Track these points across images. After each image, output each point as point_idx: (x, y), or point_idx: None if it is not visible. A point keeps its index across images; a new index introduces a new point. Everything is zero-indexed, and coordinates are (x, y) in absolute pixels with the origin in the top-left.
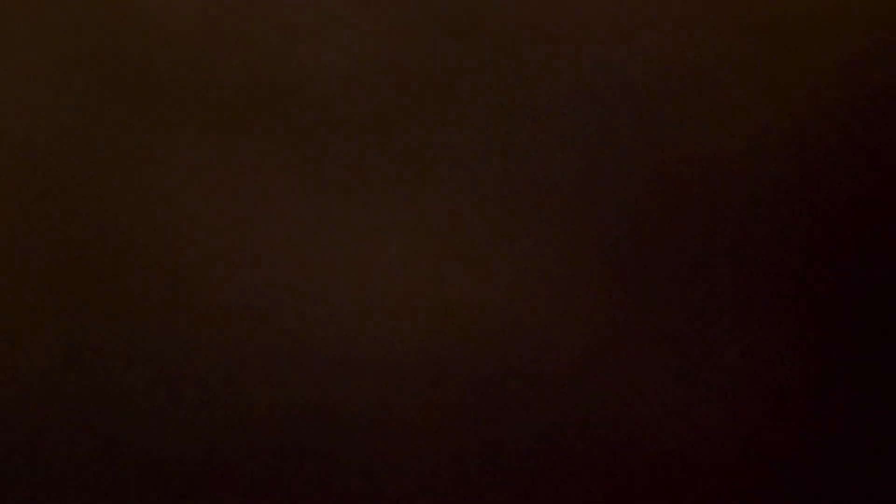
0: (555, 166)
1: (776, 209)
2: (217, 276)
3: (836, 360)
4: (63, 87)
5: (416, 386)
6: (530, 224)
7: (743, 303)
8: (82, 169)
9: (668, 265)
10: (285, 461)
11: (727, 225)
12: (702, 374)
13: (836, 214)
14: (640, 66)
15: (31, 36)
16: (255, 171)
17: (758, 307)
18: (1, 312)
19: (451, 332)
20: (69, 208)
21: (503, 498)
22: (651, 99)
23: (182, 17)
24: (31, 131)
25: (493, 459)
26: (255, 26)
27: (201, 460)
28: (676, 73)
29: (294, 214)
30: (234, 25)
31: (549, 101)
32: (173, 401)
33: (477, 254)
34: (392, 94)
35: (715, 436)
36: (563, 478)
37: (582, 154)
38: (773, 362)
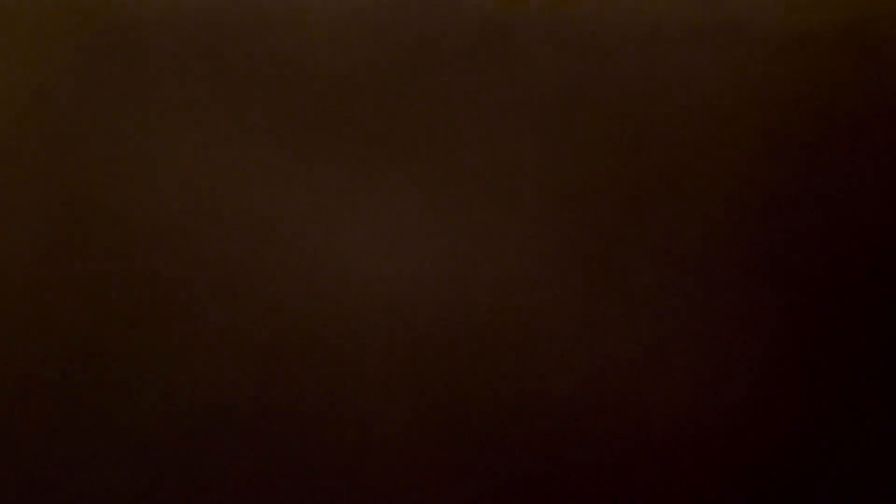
0: (551, 159)
1: (775, 205)
2: (228, 261)
3: (827, 356)
4: (67, 77)
5: (414, 372)
6: (529, 213)
7: (743, 296)
8: (85, 158)
9: (664, 258)
10: (289, 449)
11: (724, 220)
12: (697, 362)
13: (836, 210)
14: (630, 66)
15: (39, 40)
16: (264, 149)
17: (757, 299)
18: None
19: (448, 319)
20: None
21: (503, 485)
22: (639, 98)
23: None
24: (34, 123)
25: (489, 450)
26: (257, 12)
27: (201, 446)
28: (665, 72)
29: (300, 196)
30: (239, 12)
31: (548, 97)
32: (178, 386)
33: (477, 241)
34: (397, 80)
35: (706, 421)
36: (555, 465)
37: (577, 148)
38: (768, 349)
